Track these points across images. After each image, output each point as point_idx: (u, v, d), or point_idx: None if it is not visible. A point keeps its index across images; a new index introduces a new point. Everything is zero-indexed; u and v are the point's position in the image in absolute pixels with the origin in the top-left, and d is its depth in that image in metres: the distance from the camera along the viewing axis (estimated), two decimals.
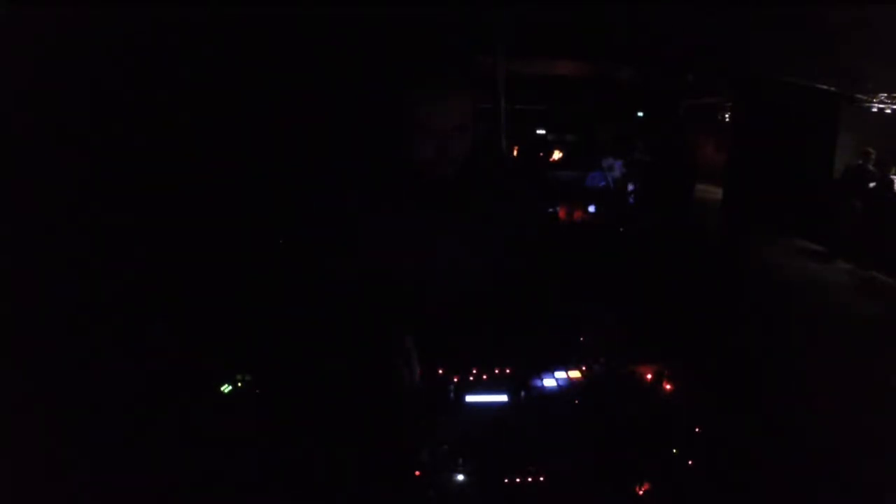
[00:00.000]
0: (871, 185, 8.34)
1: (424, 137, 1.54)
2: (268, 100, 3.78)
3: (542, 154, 9.55)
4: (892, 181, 7.92)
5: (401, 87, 1.59)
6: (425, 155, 1.55)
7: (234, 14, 3.22)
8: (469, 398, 1.42)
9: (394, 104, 1.60)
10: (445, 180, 1.60)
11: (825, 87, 8.25)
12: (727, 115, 13.61)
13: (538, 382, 1.49)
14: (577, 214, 7.17)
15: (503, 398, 1.42)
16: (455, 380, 1.45)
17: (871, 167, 8.32)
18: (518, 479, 1.19)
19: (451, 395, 1.41)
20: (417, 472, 1.20)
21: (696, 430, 1.36)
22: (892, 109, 8.37)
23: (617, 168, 8.37)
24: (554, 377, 1.51)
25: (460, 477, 1.19)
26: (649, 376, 1.51)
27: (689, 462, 1.27)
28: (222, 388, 1.43)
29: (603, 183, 8.45)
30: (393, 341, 1.47)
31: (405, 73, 1.60)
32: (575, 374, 1.52)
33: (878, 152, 8.48)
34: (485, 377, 1.49)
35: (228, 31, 3.38)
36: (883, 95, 8.15)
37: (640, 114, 11.01)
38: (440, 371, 1.49)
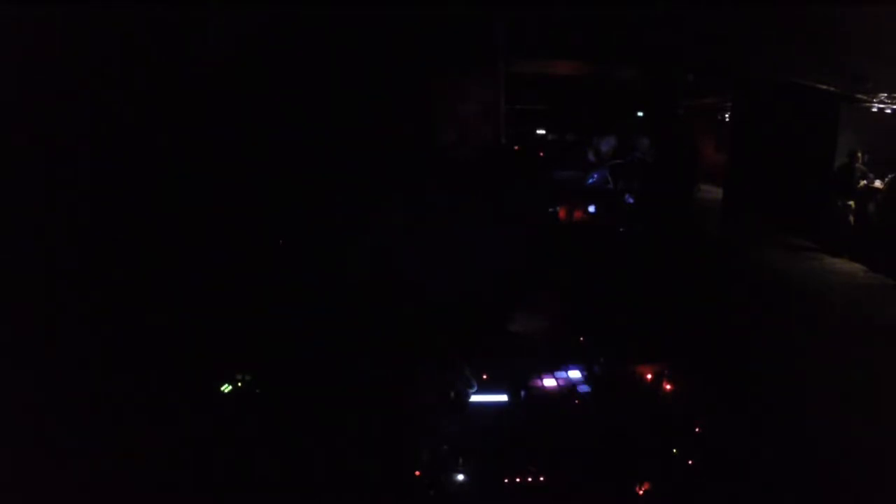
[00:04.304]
0: (862, 183, 8.36)
1: (446, 123, 1.59)
2: (283, 91, 3.77)
3: (542, 154, 9.55)
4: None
5: (424, 74, 1.62)
6: (446, 138, 1.59)
7: (253, 4, 3.23)
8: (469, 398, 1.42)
9: (417, 91, 1.64)
10: (466, 163, 1.63)
11: (825, 87, 8.24)
12: (727, 115, 13.61)
13: (538, 382, 1.49)
14: (578, 214, 7.16)
15: (503, 398, 1.42)
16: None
17: (859, 166, 8.34)
18: (518, 479, 1.19)
19: (452, 395, 1.40)
20: (417, 472, 1.20)
21: (696, 430, 1.36)
22: (892, 109, 8.37)
23: (604, 146, 8.35)
24: (554, 377, 1.51)
25: (460, 477, 1.19)
26: (649, 376, 1.51)
27: (689, 462, 1.27)
28: (222, 388, 1.43)
29: (607, 184, 8.45)
30: (393, 341, 1.47)
31: (428, 60, 1.63)
32: (575, 374, 1.52)
33: (874, 152, 8.49)
34: (485, 377, 1.49)
35: (244, 23, 3.38)
36: (883, 95, 8.15)
37: (640, 114, 11.01)
38: (441, 371, 1.48)
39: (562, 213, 6.92)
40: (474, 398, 1.42)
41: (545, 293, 1.63)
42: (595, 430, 1.34)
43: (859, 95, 8.29)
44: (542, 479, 1.20)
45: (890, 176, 7.84)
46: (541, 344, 1.65)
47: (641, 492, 1.20)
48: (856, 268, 7.82)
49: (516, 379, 1.47)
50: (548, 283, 1.70)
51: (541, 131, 10.99)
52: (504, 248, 1.75)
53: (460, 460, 1.21)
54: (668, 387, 1.48)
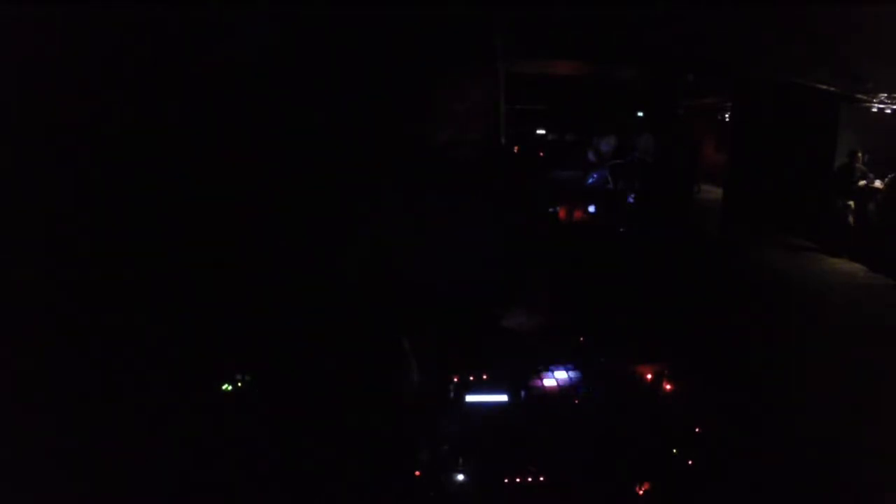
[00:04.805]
0: (862, 183, 8.36)
1: (439, 121, 1.58)
2: (274, 91, 3.77)
3: (542, 154, 9.56)
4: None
5: (424, 74, 1.62)
6: (439, 137, 1.59)
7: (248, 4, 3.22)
8: (469, 398, 1.42)
9: (417, 90, 1.64)
10: (464, 164, 1.63)
11: (825, 87, 8.24)
12: (727, 115, 13.59)
13: (538, 382, 1.49)
14: (578, 214, 7.17)
15: (503, 398, 1.42)
16: (455, 380, 1.45)
17: (859, 166, 8.34)
18: (518, 479, 1.19)
19: (451, 395, 1.41)
20: (417, 472, 1.20)
21: (696, 430, 1.36)
22: (892, 109, 8.36)
23: (604, 146, 8.40)
24: (554, 377, 1.51)
25: (460, 477, 1.19)
26: (649, 376, 1.51)
27: (689, 462, 1.28)
28: (222, 388, 1.43)
29: (609, 185, 8.47)
30: (393, 342, 1.47)
31: (428, 60, 1.63)
32: (575, 374, 1.53)
33: (874, 152, 8.48)
34: (485, 377, 1.49)
35: (238, 23, 3.37)
36: (883, 95, 8.14)
37: (640, 114, 11.00)
38: (441, 371, 1.49)
39: (562, 213, 6.93)
40: (474, 398, 1.43)
41: (539, 292, 1.64)
42: (595, 430, 1.35)
43: (859, 95, 8.28)
44: (542, 479, 1.20)
45: (890, 176, 7.84)
46: (540, 343, 1.65)
47: (641, 492, 1.20)
48: (856, 268, 7.82)
49: (516, 379, 1.47)
50: (542, 281, 1.70)
51: (541, 131, 10.98)
52: (500, 248, 1.75)
53: (460, 460, 1.21)
54: (668, 387, 1.48)
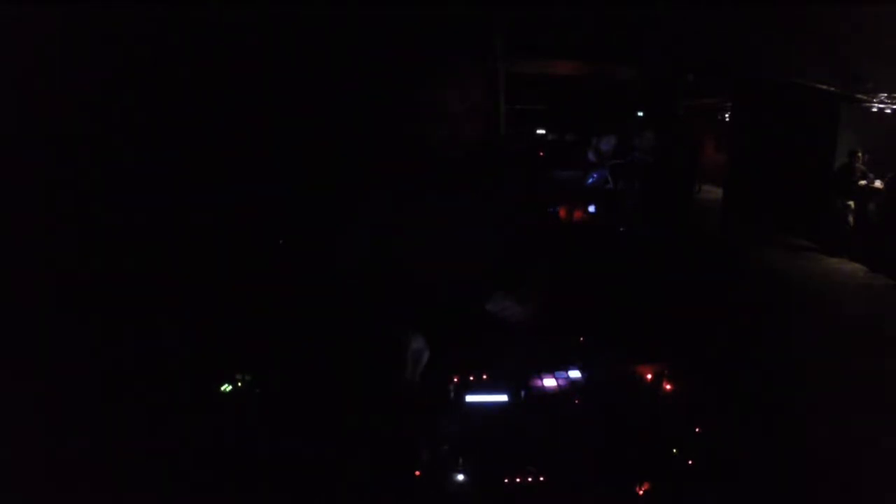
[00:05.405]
0: (862, 183, 8.36)
1: (436, 120, 1.58)
2: (270, 89, 3.77)
3: (542, 154, 9.56)
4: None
5: (413, 71, 1.62)
6: (437, 136, 1.59)
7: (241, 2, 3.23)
8: (469, 398, 1.42)
9: (407, 87, 1.63)
10: (457, 162, 1.62)
11: (825, 87, 8.24)
12: (727, 115, 13.60)
13: (538, 382, 1.49)
14: (578, 214, 7.16)
15: (503, 398, 1.42)
16: (455, 380, 1.45)
17: (859, 166, 8.34)
18: (518, 479, 1.19)
19: (452, 395, 1.40)
20: (417, 472, 1.20)
21: (696, 430, 1.36)
22: (892, 109, 8.37)
23: (604, 146, 8.41)
24: (554, 377, 1.51)
25: (460, 477, 1.19)
26: (649, 376, 1.51)
27: (689, 462, 1.27)
28: (222, 388, 1.43)
29: (609, 185, 8.48)
30: (394, 341, 1.47)
31: (427, 59, 1.63)
32: (575, 374, 1.52)
33: (874, 152, 8.49)
34: (485, 377, 1.49)
35: (232, 22, 3.37)
36: (883, 95, 8.15)
37: (640, 114, 11.02)
38: (440, 371, 1.49)
39: (562, 213, 6.92)
40: (474, 398, 1.42)
41: (538, 289, 1.63)
42: (595, 430, 1.34)
43: (859, 95, 8.29)
44: (542, 479, 1.20)
45: (890, 176, 7.84)
46: (540, 343, 1.65)
47: (641, 492, 1.20)
48: (856, 268, 7.82)
49: (516, 379, 1.47)
50: (542, 279, 1.69)
51: (541, 131, 11.00)
52: (501, 248, 1.75)
53: (460, 460, 1.20)
54: (668, 387, 1.48)
